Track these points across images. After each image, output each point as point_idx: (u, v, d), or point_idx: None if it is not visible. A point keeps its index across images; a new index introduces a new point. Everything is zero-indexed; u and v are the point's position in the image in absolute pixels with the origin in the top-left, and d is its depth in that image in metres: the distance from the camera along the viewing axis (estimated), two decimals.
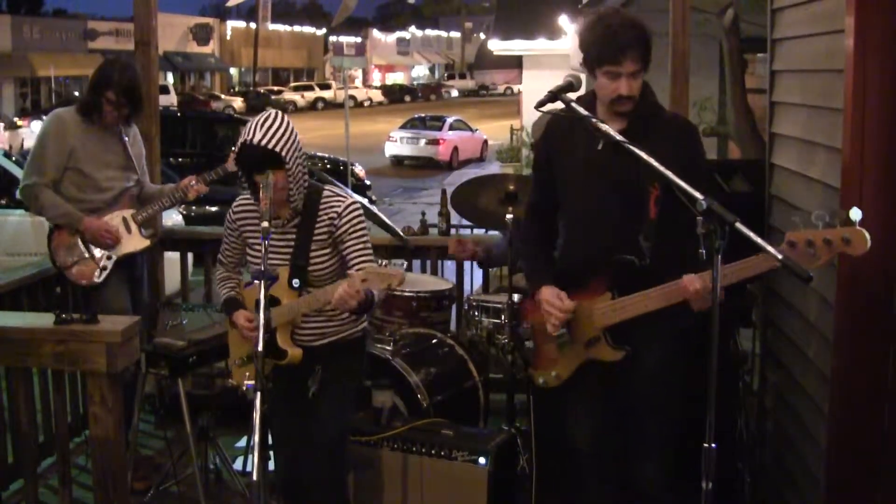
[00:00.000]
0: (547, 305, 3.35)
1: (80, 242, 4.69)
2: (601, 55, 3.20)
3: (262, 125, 3.37)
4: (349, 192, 4.05)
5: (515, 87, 51.31)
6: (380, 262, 3.36)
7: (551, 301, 3.34)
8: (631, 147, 2.99)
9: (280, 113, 3.47)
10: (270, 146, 3.34)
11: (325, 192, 3.57)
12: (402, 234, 5.43)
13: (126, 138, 4.78)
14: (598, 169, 3.29)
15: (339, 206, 3.52)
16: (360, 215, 3.56)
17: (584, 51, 3.27)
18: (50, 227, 4.74)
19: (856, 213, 2.59)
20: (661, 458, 3.38)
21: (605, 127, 3.09)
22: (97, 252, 4.70)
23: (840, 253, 2.68)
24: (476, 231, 6.44)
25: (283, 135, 3.37)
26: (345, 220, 3.51)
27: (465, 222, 5.22)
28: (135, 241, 4.79)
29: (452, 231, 6.33)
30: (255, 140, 3.34)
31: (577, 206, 3.44)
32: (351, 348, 3.70)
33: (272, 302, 3.53)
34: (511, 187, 4.42)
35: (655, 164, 2.92)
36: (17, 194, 4.68)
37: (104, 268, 4.71)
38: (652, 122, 3.30)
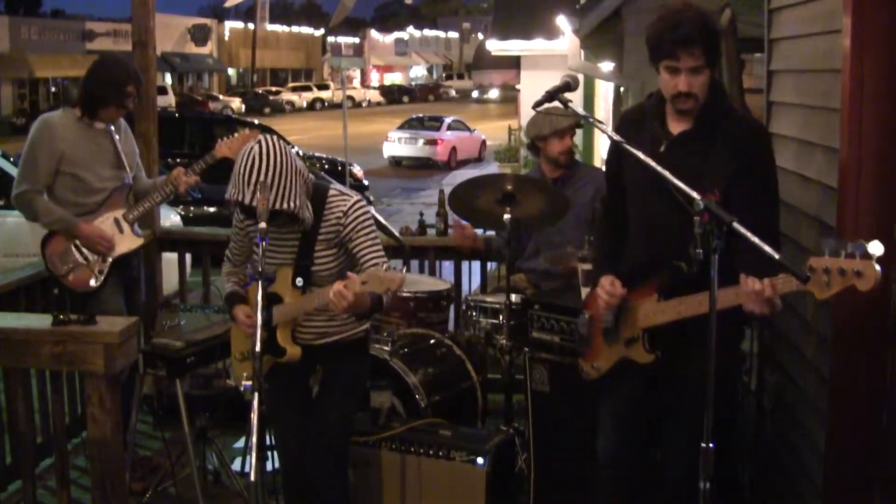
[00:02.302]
0: (599, 289, 3.38)
1: (73, 248, 4.68)
2: (659, 49, 3.14)
3: (248, 184, 3.27)
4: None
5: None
6: (382, 264, 3.36)
7: (603, 285, 3.36)
8: (628, 147, 2.99)
9: (265, 152, 3.31)
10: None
11: (331, 192, 3.56)
12: (398, 235, 5.43)
13: (116, 136, 4.78)
14: (656, 176, 3.25)
15: (345, 205, 3.51)
16: (365, 212, 3.55)
17: (647, 44, 3.21)
18: (43, 237, 4.71)
19: (875, 248, 2.56)
20: (686, 469, 3.36)
21: (602, 126, 3.09)
22: (92, 256, 4.69)
23: (850, 285, 2.61)
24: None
25: (273, 186, 3.28)
26: (351, 218, 3.50)
27: (462, 222, 5.22)
28: (128, 241, 4.78)
29: (450, 231, 6.33)
30: (246, 202, 3.27)
31: (636, 210, 3.43)
32: (353, 348, 3.71)
33: (275, 300, 3.55)
34: (509, 187, 4.42)
35: (653, 164, 2.92)
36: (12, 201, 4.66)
37: (101, 271, 4.70)
38: (720, 124, 3.22)
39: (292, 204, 3.33)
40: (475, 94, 62.63)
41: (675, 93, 3.16)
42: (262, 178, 3.26)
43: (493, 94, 61.68)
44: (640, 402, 3.48)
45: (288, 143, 15.97)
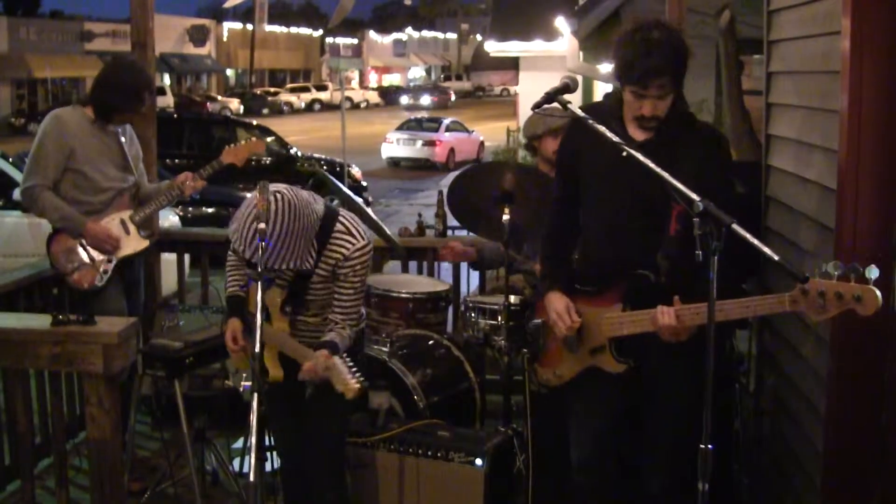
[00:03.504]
0: (555, 316, 3.35)
1: (78, 247, 4.68)
2: (627, 73, 3.10)
3: (252, 242, 3.21)
4: (349, 194, 4.03)
5: (512, 89, 51.28)
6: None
7: (560, 314, 3.33)
8: (628, 149, 2.99)
9: (275, 211, 3.24)
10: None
11: (338, 227, 3.49)
12: (394, 238, 5.42)
13: (122, 138, 4.79)
14: (621, 178, 3.22)
15: (348, 249, 3.47)
16: (364, 262, 3.51)
17: (614, 60, 3.17)
18: (49, 234, 4.72)
19: (872, 272, 2.56)
20: (671, 472, 3.36)
21: (601, 128, 3.07)
22: (97, 256, 4.69)
23: (849, 310, 2.62)
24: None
25: (275, 248, 3.25)
26: (349, 263, 3.48)
27: (450, 244, 5.20)
28: (133, 243, 4.78)
29: (449, 232, 6.33)
30: (248, 257, 3.25)
31: (597, 213, 3.39)
32: (348, 350, 3.70)
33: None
34: (507, 186, 4.40)
35: (653, 165, 2.90)
36: (17, 195, 4.66)
37: (105, 271, 4.70)
38: (680, 132, 3.22)
39: (290, 265, 3.34)
40: (404, 100, 58.55)
41: (639, 115, 3.15)
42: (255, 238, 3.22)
43: (425, 100, 57.48)
44: (613, 409, 3.44)
45: (287, 145, 15.90)
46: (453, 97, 61.10)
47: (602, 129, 3.07)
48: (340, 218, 3.52)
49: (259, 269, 3.20)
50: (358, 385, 3.23)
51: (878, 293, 2.57)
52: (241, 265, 3.81)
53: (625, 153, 2.97)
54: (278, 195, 3.27)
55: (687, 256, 3.07)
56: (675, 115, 3.23)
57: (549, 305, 3.39)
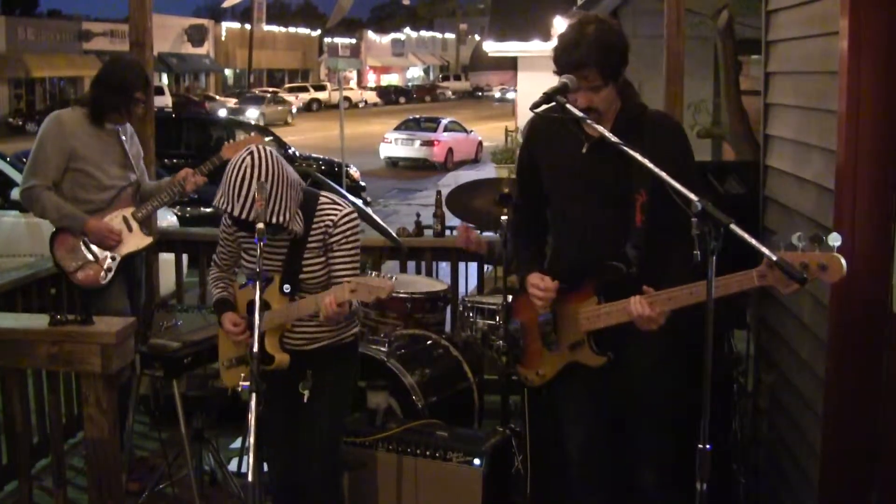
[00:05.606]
0: (532, 288, 3.35)
1: (82, 245, 4.68)
2: (556, 66, 3.18)
3: (238, 196, 3.23)
4: (345, 195, 4.05)
5: (509, 91, 51.21)
6: (370, 272, 3.33)
7: (534, 283, 3.34)
8: (626, 148, 2.98)
9: (257, 164, 3.26)
10: (251, 219, 3.26)
11: (322, 199, 3.53)
12: (395, 235, 5.43)
13: (123, 137, 4.79)
14: (583, 174, 3.26)
15: (335, 215, 3.49)
16: (355, 225, 3.53)
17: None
18: (52, 232, 4.72)
19: (835, 239, 2.58)
20: (657, 463, 3.37)
21: (600, 128, 3.07)
22: (100, 254, 4.69)
23: (816, 279, 2.65)
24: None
25: (258, 199, 3.25)
26: (339, 229, 3.48)
27: (468, 226, 5.20)
28: (137, 240, 4.78)
29: (447, 232, 6.33)
30: (237, 214, 3.25)
31: (563, 211, 3.41)
32: (343, 352, 3.70)
33: (262, 306, 3.53)
34: (506, 189, 4.42)
35: (652, 165, 2.90)
36: (15, 195, 4.65)
37: (109, 269, 4.70)
38: (637, 123, 3.25)
39: (282, 217, 3.32)
40: (222, 113, 43.06)
41: (576, 106, 3.18)
42: (251, 192, 3.23)
43: (252, 113, 41.05)
44: (600, 403, 3.44)
45: (285, 145, 15.94)
46: (294, 109, 48.16)
47: (602, 129, 3.07)
48: (322, 194, 3.57)
49: (258, 269, 3.20)
50: (390, 282, 3.19)
51: (843, 260, 2.59)
52: (225, 276, 3.81)
53: (623, 149, 2.98)
54: (255, 149, 3.29)
55: (656, 247, 3.14)
56: (628, 107, 3.27)
57: (527, 286, 3.40)
